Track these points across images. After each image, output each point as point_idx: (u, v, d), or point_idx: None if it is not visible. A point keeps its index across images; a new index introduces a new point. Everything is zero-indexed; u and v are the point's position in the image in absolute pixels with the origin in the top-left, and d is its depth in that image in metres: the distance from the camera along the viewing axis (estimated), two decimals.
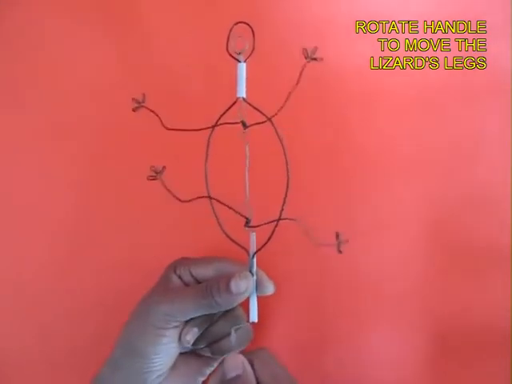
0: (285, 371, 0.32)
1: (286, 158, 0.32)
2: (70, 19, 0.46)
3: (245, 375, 0.31)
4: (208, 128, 0.33)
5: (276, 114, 0.32)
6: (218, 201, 0.33)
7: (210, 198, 0.33)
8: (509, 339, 0.42)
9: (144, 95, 0.34)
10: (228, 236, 0.33)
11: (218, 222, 0.33)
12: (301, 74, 0.32)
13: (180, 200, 0.33)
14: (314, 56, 0.32)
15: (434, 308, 0.43)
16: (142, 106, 0.34)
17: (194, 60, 0.45)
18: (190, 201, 0.33)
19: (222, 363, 0.32)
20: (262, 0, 0.45)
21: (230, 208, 0.33)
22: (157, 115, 0.33)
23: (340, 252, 0.31)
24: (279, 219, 0.33)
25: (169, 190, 0.33)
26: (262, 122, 0.32)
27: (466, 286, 0.43)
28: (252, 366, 0.31)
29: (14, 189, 0.45)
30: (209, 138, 0.33)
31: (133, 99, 0.34)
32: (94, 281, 0.44)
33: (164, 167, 0.34)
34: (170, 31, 0.45)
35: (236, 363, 0.31)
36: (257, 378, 0.31)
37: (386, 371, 0.43)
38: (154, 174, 0.34)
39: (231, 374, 0.31)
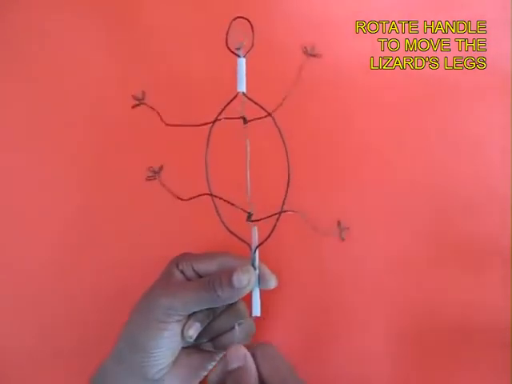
0: (287, 365, 0.31)
1: (286, 152, 0.33)
2: (71, 18, 0.46)
3: (246, 367, 0.30)
4: (208, 124, 0.33)
5: (276, 109, 0.33)
6: (219, 198, 0.33)
7: (211, 195, 0.33)
8: (509, 339, 0.42)
9: (143, 92, 0.34)
10: (230, 230, 0.33)
11: (220, 217, 0.33)
12: (300, 70, 0.33)
13: (181, 199, 0.33)
14: (314, 53, 0.34)
15: (435, 307, 0.43)
16: (142, 104, 0.34)
17: (194, 57, 0.45)
18: (190, 199, 0.33)
19: (224, 355, 0.32)
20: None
21: (232, 204, 0.33)
22: (157, 112, 0.33)
23: (343, 239, 0.32)
24: (281, 212, 0.33)
25: (168, 190, 0.33)
26: (263, 117, 0.33)
27: (467, 286, 0.43)
28: (254, 359, 0.31)
29: (14, 189, 0.45)
30: (209, 133, 0.33)
31: (132, 96, 0.34)
32: (94, 281, 0.44)
33: (161, 167, 0.34)
34: (170, 28, 0.46)
35: (238, 355, 0.31)
36: (259, 371, 0.31)
37: (386, 369, 0.43)
38: (152, 174, 0.34)
39: (233, 365, 0.31)
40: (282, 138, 0.32)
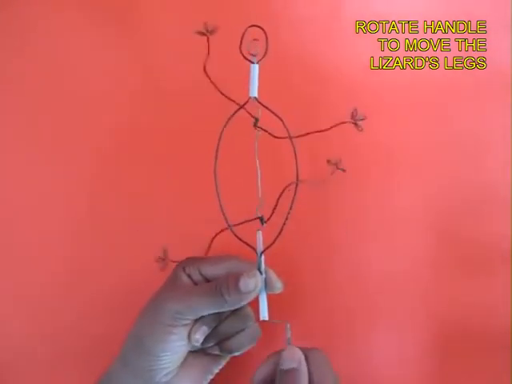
0: (335, 376, 0.31)
1: (295, 155, 0.34)
2: (78, 19, 0.45)
3: (300, 370, 0.30)
4: (235, 102, 0.33)
5: (298, 137, 0.34)
6: (232, 225, 0.34)
7: (228, 226, 0.34)
8: (509, 339, 0.43)
9: (214, 29, 0.34)
10: (235, 235, 0.33)
11: (227, 221, 0.33)
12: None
13: None
14: (358, 123, 0.35)
15: (436, 308, 0.43)
16: (207, 36, 0.34)
17: (202, 62, 0.45)
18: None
19: (276, 353, 0.32)
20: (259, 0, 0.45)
21: (243, 222, 0.33)
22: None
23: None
24: (293, 202, 0.33)
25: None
26: (282, 138, 0.34)
27: (468, 286, 0.43)
28: (306, 362, 0.31)
29: (19, 190, 0.45)
30: (221, 132, 0.33)
31: (204, 24, 0.33)
32: (101, 284, 0.44)
33: (166, 251, 0.37)
34: (178, 32, 0.45)
35: (294, 357, 0.31)
36: (309, 375, 0.30)
37: (388, 370, 0.44)
38: (161, 260, 0.36)
39: (288, 365, 0.30)
40: (295, 153, 0.33)
